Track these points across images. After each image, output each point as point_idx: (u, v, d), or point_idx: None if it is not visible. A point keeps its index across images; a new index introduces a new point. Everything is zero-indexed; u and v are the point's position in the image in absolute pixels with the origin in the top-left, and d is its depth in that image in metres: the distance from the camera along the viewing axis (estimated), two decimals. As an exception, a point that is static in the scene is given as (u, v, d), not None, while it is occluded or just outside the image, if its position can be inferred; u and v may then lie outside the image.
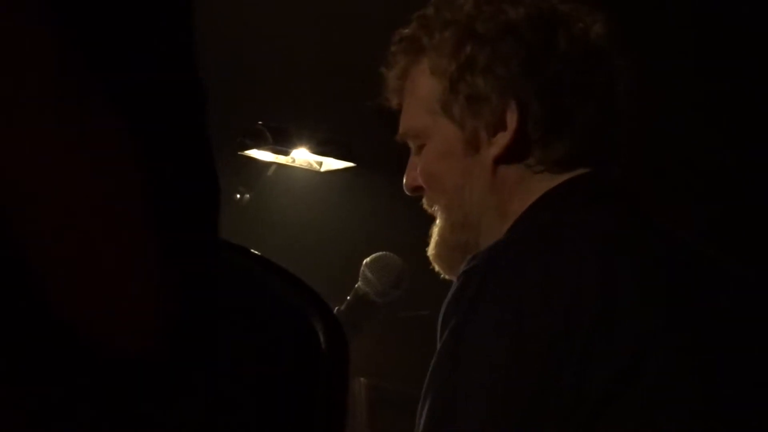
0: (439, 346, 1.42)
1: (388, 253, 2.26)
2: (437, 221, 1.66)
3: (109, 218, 0.64)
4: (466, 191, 1.61)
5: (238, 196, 3.63)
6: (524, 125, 1.56)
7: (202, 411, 0.74)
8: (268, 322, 0.82)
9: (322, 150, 3.45)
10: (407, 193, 1.70)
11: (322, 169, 3.61)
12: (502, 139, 1.57)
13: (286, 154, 3.46)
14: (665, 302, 1.43)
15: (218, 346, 0.77)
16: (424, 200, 1.68)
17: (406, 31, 1.66)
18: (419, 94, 1.64)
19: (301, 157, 3.50)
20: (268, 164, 3.55)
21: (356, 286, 2.25)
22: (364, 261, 2.26)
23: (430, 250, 1.67)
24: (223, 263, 0.83)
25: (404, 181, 1.69)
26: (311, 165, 3.58)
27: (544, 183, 1.58)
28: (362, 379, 3.04)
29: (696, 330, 1.44)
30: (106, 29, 0.64)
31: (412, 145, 1.68)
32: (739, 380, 1.44)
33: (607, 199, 1.57)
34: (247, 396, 0.77)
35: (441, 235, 1.65)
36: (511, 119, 1.56)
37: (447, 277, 1.64)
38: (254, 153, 3.47)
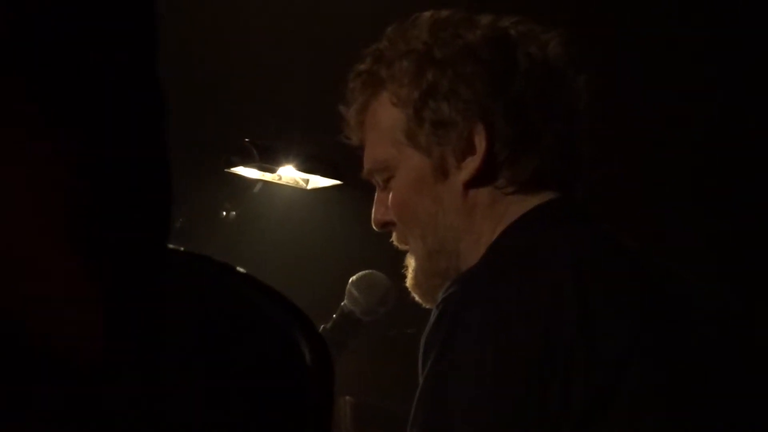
0: (423, 373, 1.42)
1: (374, 271, 2.26)
2: (411, 253, 1.66)
3: (32, 232, 0.63)
4: (440, 218, 1.60)
5: (224, 213, 3.62)
6: (492, 147, 1.56)
7: (179, 428, 0.74)
8: (253, 339, 0.82)
9: (308, 167, 3.46)
10: (376, 229, 1.69)
11: (309, 187, 3.61)
12: (472, 162, 1.57)
13: (273, 171, 3.46)
14: (640, 320, 1.44)
15: (200, 365, 0.77)
16: (394, 236, 1.67)
17: (362, 66, 1.66)
18: (382, 127, 1.63)
19: (288, 174, 3.50)
20: (254, 181, 3.55)
21: (342, 304, 2.25)
22: (350, 279, 2.25)
23: (409, 281, 1.67)
24: (205, 279, 0.83)
25: (373, 217, 1.68)
26: (297, 182, 3.58)
27: (515, 205, 1.57)
28: (347, 397, 3.04)
29: (671, 344, 1.45)
30: (45, 37, 0.64)
31: (378, 180, 1.67)
32: (714, 392, 1.45)
33: (578, 221, 1.58)
34: (230, 414, 0.77)
35: (419, 264, 1.64)
36: (480, 142, 1.56)
37: (426, 306, 1.63)
38: (240, 170, 3.47)
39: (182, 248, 0.84)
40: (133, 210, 0.68)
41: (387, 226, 1.67)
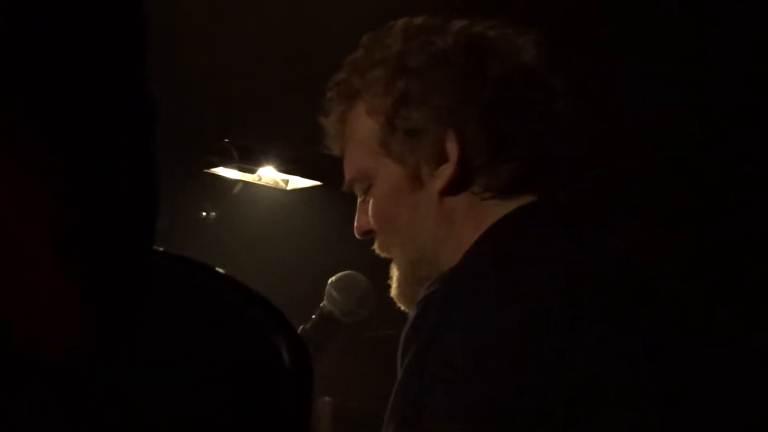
0: (401, 371, 1.42)
1: (353, 272, 2.26)
2: (394, 262, 1.66)
3: (20, 247, 0.63)
4: (418, 227, 1.60)
5: (204, 213, 3.61)
6: (465, 154, 1.56)
7: (155, 428, 0.74)
8: (232, 340, 0.82)
9: (288, 168, 3.45)
10: (359, 237, 1.69)
11: (289, 188, 3.61)
12: (446, 170, 1.57)
13: (253, 172, 3.45)
14: (624, 323, 1.43)
15: (175, 362, 0.76)
16: (375, 244, 1.67)
17: (339, 76, 1.66)
18: (358, 137, 1.64)
19: (268, 175, 3.50)
20: (234, 182, 3.55)
21: (321, 305, 2.25)
22: (330, 280, 2.25)
23: (393, 291, 1.67)
24: (184, 280, 0.83)
25: (355, 226, 1.68)
26: (277, 183, 3.58)
27: (494, 210, 1.57)
28: (327, 398, 3.04)
29: (655, 348, 1.45)
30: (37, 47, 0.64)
31: (358, 189, 1.67)
32: (699, 397, 1.45)
33: (560, 222, 1.58)
34: (211, 414, 0.77)
35: (402, 273, 1.64)
36: (452, 149, 1.56)
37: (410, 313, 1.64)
38: (220, 171, 3.47)
39: (162, 249, 0.84)
40: (121, 216, 0.68)
41: (369, 234, 1.67)
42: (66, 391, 0.68)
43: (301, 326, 2.24)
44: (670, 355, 1.46)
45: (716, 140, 3.70)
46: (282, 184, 3.59)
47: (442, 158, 1.57)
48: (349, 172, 1.67)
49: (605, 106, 3.39)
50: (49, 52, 0.64)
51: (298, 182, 3.57)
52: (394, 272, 1.66)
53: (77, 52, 0.65)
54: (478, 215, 1.57)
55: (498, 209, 1.57)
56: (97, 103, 0.66)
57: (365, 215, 1.65)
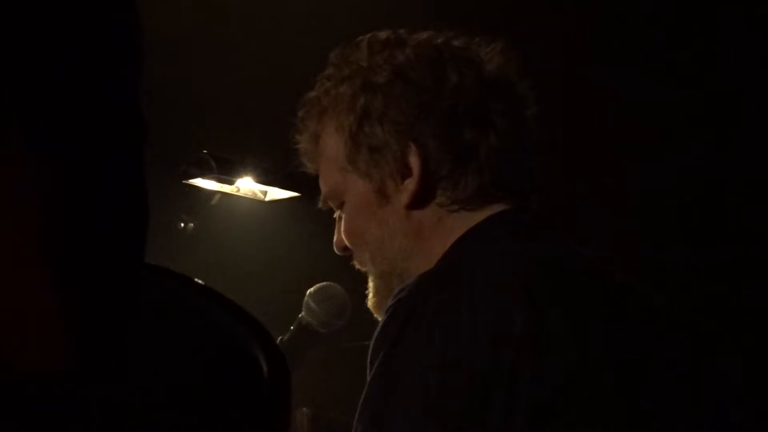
0: (369, 377, 1.42)
1: (331, 283, 2.26)
2: (369, 275, 1.67)
3: (5, 251, 0.63)
4: (386, 241, 1.61)
5: (182, 224, 3.61)
6: (428, 167, 1.56)
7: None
8: (209, 351, 0.82)
9: (266, 179, 3.46)
10: (338, 253, 1.70)
11: (267, 199, 3.61)
12: (411, 184, 1.57)
13: (231, 183, 3.46)
14: (590, 329, 1.44)
15: (154, 375, 0.76)
16: (354, 260, 1.68)
17: (310, 93, 1.67)
18: (328, 154, 1.65)
19: (246, 186, 3.50)
20: (212, 193, 3.55)
21: (300, 316, 2.25)
22: (308, 291, 2.25)
23: (369, 301, 1.68)
24: (163, 291, 0.83)
25: (334, 241, 1.69)
26: (256, 194, 3.58)
27: (462, 221, 1.57)
28: (304, 409, 3.03)
29: (622, 354, 1.45)
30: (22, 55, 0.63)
31: (333, 206, 1.69)
32: (668, 403, 1.46)
33: (528, 232, 1.58)
34: (188, 426, 0.77)
35: (374, 285, 1.65)
36: (414, 162, 1.56)
37: None
38: (199, 182, 3.47)
39: (139, 260, 0.84)
40: (109, 229, 0.68)
41: (346, 250, 1.68)
42: (47, 408, 0.67)
43: (280, 337, 2.23)
44: (637, 362, 1.46)
45: (698, 139, 3.72)
46: (260, 195, 3.59)
47: (406, 173, 1.57)
48: (323, 190, 1.69)
49: (577, 110, 3.40)
50: (40, 59, 0.64)
51: (276, 193, 3.57)
52: (371, 283, 1.67)
53: (68, 60, 0.65)
54: (446, 227, 1.58)
55: (466, 221, 1.57)
56: (86, 112, 0.66)
57: (341, 232, 1.67)
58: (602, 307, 1.48)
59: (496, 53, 1.61)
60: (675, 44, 3.62)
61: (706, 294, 3.58)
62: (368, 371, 1.43)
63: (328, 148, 1.64)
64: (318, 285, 2.25)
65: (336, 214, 1.69)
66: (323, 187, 1.68)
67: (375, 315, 1.67)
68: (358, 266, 1.69)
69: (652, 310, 1.55)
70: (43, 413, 0.67)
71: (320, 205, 1.71)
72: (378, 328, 1.44)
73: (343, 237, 1.65)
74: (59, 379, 0.67)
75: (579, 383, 1.38)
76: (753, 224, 3.80)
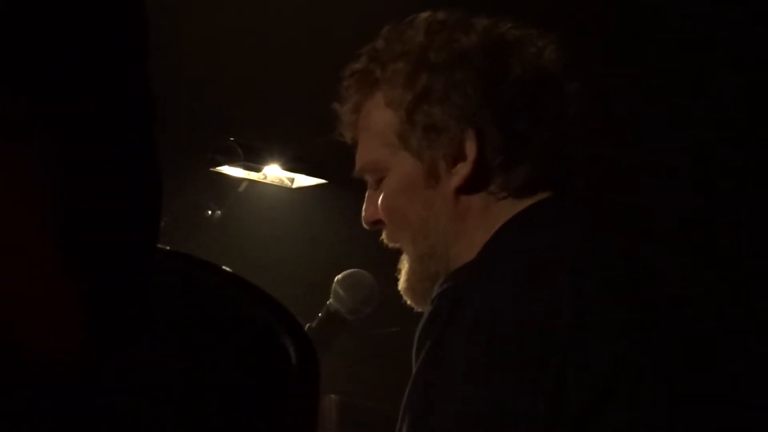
0: (415, 368, 1.42)
1: (359, 270, 2.26)
2: (404, 256, 1.65)
3: (20, 245, 0.63)
4: (431, 223, 1.60)
5: (210, 212, 3.62)
6: (483, 153, 1.55)
7: (161, 429, 0.74)
8: (238, 339, 0.82)
9: (293, 167, 3.45)
10: (366, 227, 1.68)
11: (294, 186, 3.61)
12: (463, 169, 1.56)
13: (258, 170, 3.46)
14: (635, 323, 1.43)
15: (184, 364, 0.76)
16: (384, 235, 1.67)
17: (357, 65, 1.65)
18: (375, 128, 1.63)
19: (273, 173, 3.50)
20: (239, 180, 3.55)
21: (327, 303, 2.25)
22: (336, 278, 2.25)
23: (401, 284, 1.66)
24: (190, 279, 0.83)
25: (363, 215, 1.68)
26: (283, 181, 3.58)
27: (506, 209, 1.57)
28: (333, 396, 3.04)
29: (668, 344, 1.44)
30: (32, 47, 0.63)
31: (369, 179, 1.67)
32: (712, 394, 1.45)
33: (572, 220, 1.57)
34: (215, 413, 0.77)
35: (411, 267, 1.64)
36: (470, 148, 1.55)
37: (418, 309, 1.63)
38: (226, 169, 3.47)
39: (167, 247, 0.84)
40: (122, 214, 0.68)
41: (377, 224, 1.66)
42: (63, 394, 0.67)
43: (308, 325, 2.24)
44: (681, 354, 1.45)
45: (732, 138, 3.70)
46: (287, 183, 3.59)
47: (459, 156, 1.56)
48: (360, 161, 1.67)
49: (618, 106, 3.39)
50: (47, 47, 0.64)
51: (303, 180, 3.57)
52: (404, 265, 1.65)
53: (75, 47, 0.65)
54: (492, 214, 1.57)
55: (511, 208, 1.57)
56: (97, 99, 0.66)
57: (374, 205, 1.65)
58: (645, 298, 1.47)
59: (552, 47, 1.60)
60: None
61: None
62: (413, 362, 1.43)
63: (374, 121, 1.63)
64: (346, 272, 2.25)
65: (370, 189, 1.67)
66: (361, 159, 1.67)
67: (406, 298, 1.66)
68: (387, 242, 1.67)
69: (694, 300, 1.54)
70: (58, 401, 0.67)
71: (355, 175, 1.69)
72: (423, 320, 1.44)
73: (381, 212, 1.64)
74: (74, 364, 0.67)
75: (624, 382, 1.37)
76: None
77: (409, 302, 1.66)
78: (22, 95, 0.63)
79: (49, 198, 0.64)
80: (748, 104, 3.66)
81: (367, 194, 1.68)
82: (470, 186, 1.57)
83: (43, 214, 0.64)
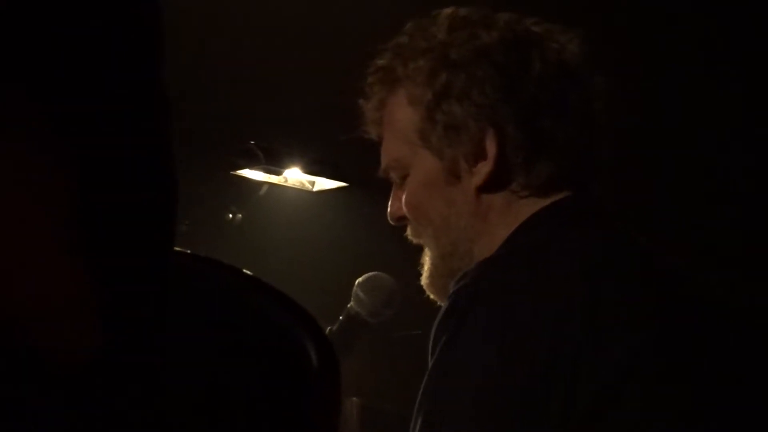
0: (430, 363, 1.42)
1: (380, 273, 2.26)
2: (426, 250, 1.66)
3: (35, 246, 0.63)
4: (452, 220, 1.60)
5: (230, 215, 3.62)
6: (504, 151, 1.55)
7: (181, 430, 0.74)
8: (259, 341, 0.82)
9: (314, 170, 3.46)
10: (392, 223, 1.69)
11: (315, 189, 3.61)
12: (484, 167, 1.56)
13: (279, 173, 3.46)
14: (649, 321, 1.43)
15: (205, 367, 0.76)
16: (408, 231, 1.67)
17: (382, 61, 1.65)
18: (397, 126, 1.63)
19: (294, 176, 3.51)
20: (260, 184, 3.56)
21: (348, 306, 2.25)
22: (356, 281, 2.25)
23: (424, 279, 1.66)
24: (211, 282, 0.83)
25: (388, 211, 1.68)
26: (303, 185, 3.58)
27: (528, 207, 1.56)
28: (354, 398, 3.04)
29: (681, 346, 1.44)
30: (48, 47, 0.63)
31: (394, 176, 1.67)
32: (723, 399, 1.44)
33: (590, 219, 1.57)
34: (236, 416, 0.77)
35: (433, 264, 1.64)
36: (491, 146, 1.55)
37: (441, 304, 1.64)
38: (246, 173, 3.47)
39: (188, 251, 0.84)
40: (137, 214, 0.68)
41: (401, 220, 1.67)
42: (78, 395, 0.67)
43: (329, 327, 2.24)
44: (695, 351, 1.45)
45: (749, 138, 3.69)
46: (308, 186, 3.60)
47: (480, 155, 1.56)
48: (385, 159, 1.67)
49: (641, 101, 3.38)
50: (63, 46, 0.64)
51: (324, 183, 3.57)
52: (426, 261, 1.66)
53: (89, 46, 0.65)
54: (513, 212, 1.57)
55: (533, 206, 1.56)
56: (112, 98, 0.66)
57: (399, 201, 1.65)
58: (660, 304, 1.47)
59: (575, 42, 1.60)
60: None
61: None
62: (429, 358, 1.43)
63: (397, 119, 1.63)
64: (366, 275, 2.25)
65: (395, 186, 1.68)
66: (385, 156, 1.67)
67: (429, 293, 1.66)
68: (411, 237, 1.67)
69: (709, 300, 1.54)
70: (74, 401, 0.67)
71: (380, 173, 1.69)
72: (439, 315, 1.44)
73: (404, 209, 1.64)
74: (90, 365, 0.67)
75: (635, 383, 1.37)
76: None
77: (431, 297, 1.66)
78: (37, 95, 0.63)
79: (64, 198, 0.64)
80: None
81: (392, 191, 1.68)
82: (491, 184, 1.57)
83: (59, 215, 0.64)
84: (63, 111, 0.64)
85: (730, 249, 3.69)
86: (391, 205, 1.67)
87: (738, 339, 1.52)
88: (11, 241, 0.63)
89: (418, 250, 1.68)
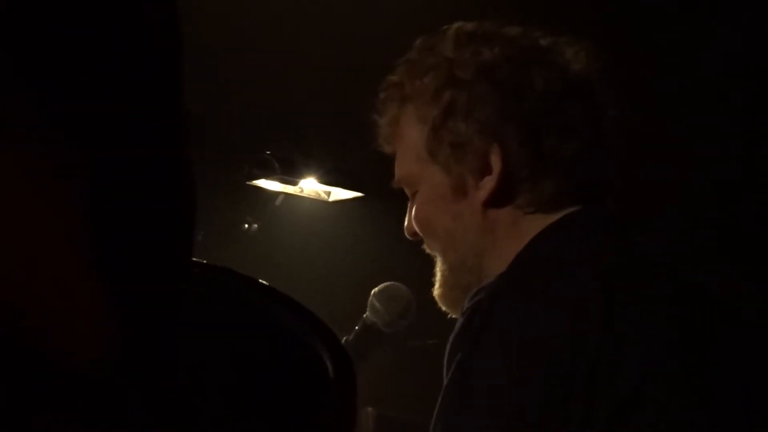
0: (446, 380, 1.42)
1: (395, 283, 2.26)
2: (438, 263, 1.67)
3: (46, 251, 0.63)
4: (459, 235, 1.61)
5: (246, 225, 3.63)
6: (508, 167, 1.56)
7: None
8: (275, 352, 0.82)
9: (330, 180, 3.46)
10: (408, 237, 1.70)
11: (330, 199, 3.62)
12: (489, 183, 1.57)
13: (294, 184, 3.47)
14: (666, 329, 1.43)
15: (219, 376, 0.76)
16: (425, 244, 1.69)
17: (393, 77, 1.67)
18: (407, 143, 1.65)
19: (309, 187, 3.51)
20: (276, 194, 3.56)
21: (364, 316, 2.25)
22: (372, 291, 2.25)
23: (436, 290, 1.68)
24: (227, 292, 0.83)
25: (405, 226, 1.70)
26: (319, 195, 3.59)
27: (536, 222, 1.57)
28: (370, 408, 3.04)
29: (698, 354, 1.44)
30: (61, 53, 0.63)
31: (407, 191, 1.69)
32: (740, 408, 1.44)
33: (602, 230, 1.57)
34: (251, 426, 0.77)
35: (443, 276, 1.65)
36: (495, 162, 1.56)
37: (453, 315, 1.64)
38: (262, 183, 3.48)
39: (204, 261, 0.84)
40: (153, 221, 0.68)
41: (417, 235, 1.68)
42: (90, 403, 0.68)
43: (345, 338, 2.24)
44: (713, 354, 1.45)
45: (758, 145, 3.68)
46: (324, 196, 3.60)
47: (486, 171, 1.57)
48: (397, 174, 1.70)
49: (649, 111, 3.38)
50: (75, 46, 0.64)
51: (339, 194, 3.58)
52: (438, 273, 1.67)
53: (104, 46, 0.65)
54: (521, 228, 1.58)
55: (540, 222, 1.57)
56: (124, 101, 0.66)
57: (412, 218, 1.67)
58: (675, 307, 1.47)
59: (582, 56, 1.60)
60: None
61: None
62: (444, 374, 1.43)
63: (407, 135, 1.65)
64: (382, 285, 2.25)
65: (410, 201, 1.69)
66: (398, 172, 1.69)
67: (440, 305, 1.67)
68: (428, 251, 1.69)
69: (722, 309, 1.54)
70: (86, 410, 0.67)
71: (394, 185, 1.71)
72: (454, 331, 1.44)
73: (413, 223, 1.66)
74: (103, 372, 0.67)
75: (655, 386, 1.37)
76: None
77: (443, 308, 1.67)
78: (46, 98, 0.63)
79: (76, 202, 0.64)
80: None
81: (408, 205, 1.69)
82: (497, 199, 1.58)
83: (71, 219, 0.64)
84: (71, 113, 0.64)
85: (730, 249, 3.68)
86: (407, 220, 1.69)
87: (753, 341, 1.52)
88: (23, 245, 0.63)
89: (434, 261, 1.69)
